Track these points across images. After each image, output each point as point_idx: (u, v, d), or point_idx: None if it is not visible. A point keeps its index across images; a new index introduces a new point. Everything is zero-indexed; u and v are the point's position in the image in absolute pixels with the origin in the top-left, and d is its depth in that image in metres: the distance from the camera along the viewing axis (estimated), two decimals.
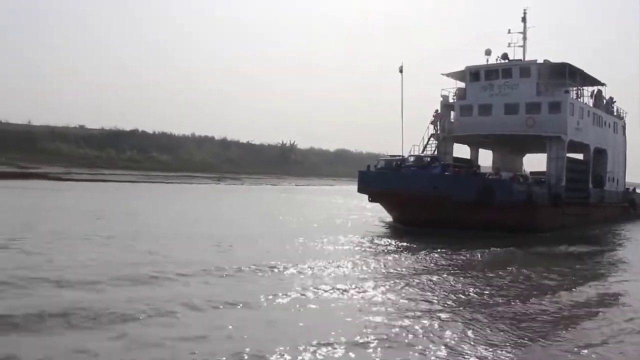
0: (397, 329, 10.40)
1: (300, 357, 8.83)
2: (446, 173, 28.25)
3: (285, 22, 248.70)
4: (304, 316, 11.25)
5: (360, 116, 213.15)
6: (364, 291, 13.35)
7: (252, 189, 67.93)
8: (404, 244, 21.70)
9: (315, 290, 13.18)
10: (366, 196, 30.92)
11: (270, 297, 12.27)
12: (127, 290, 12.51)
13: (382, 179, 29.15)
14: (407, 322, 10.89)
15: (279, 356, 8.80)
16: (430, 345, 9.55)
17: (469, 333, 10.35)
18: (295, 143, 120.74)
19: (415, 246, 20.94)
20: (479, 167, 35.43)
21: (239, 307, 11.58)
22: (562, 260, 20.22)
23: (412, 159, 30.16)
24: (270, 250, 18.76)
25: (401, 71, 31.81)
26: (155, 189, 57.02)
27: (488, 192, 25.98)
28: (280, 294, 12.53)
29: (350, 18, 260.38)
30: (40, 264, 14.87)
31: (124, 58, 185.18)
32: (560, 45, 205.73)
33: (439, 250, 19.96)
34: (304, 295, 12.74)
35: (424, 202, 26.04)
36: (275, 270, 15.33)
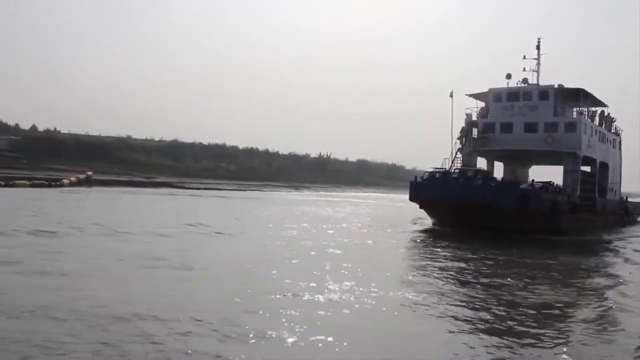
0: None
1: None
2: (492, 184, 27.38)
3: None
4: None
5: (368, 126, 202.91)
6: None
7: (329, 195, 66.08)
8: None
9: None
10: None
11: None
12: None
13: (433, 189, 27.88)
14: None
15: None
16: None
17: None
18: (331, 154, 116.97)
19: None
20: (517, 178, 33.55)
21: None
22: None
23: (457, 171, 29.11)
24: None
25: (451, 96, 30.61)
26: (268, 197, 54.67)
27: (526, 200, 25.23)
28: None
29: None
30: None
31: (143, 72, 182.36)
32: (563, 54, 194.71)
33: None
34: None
35: (474, 208, 25.13)
36: None
